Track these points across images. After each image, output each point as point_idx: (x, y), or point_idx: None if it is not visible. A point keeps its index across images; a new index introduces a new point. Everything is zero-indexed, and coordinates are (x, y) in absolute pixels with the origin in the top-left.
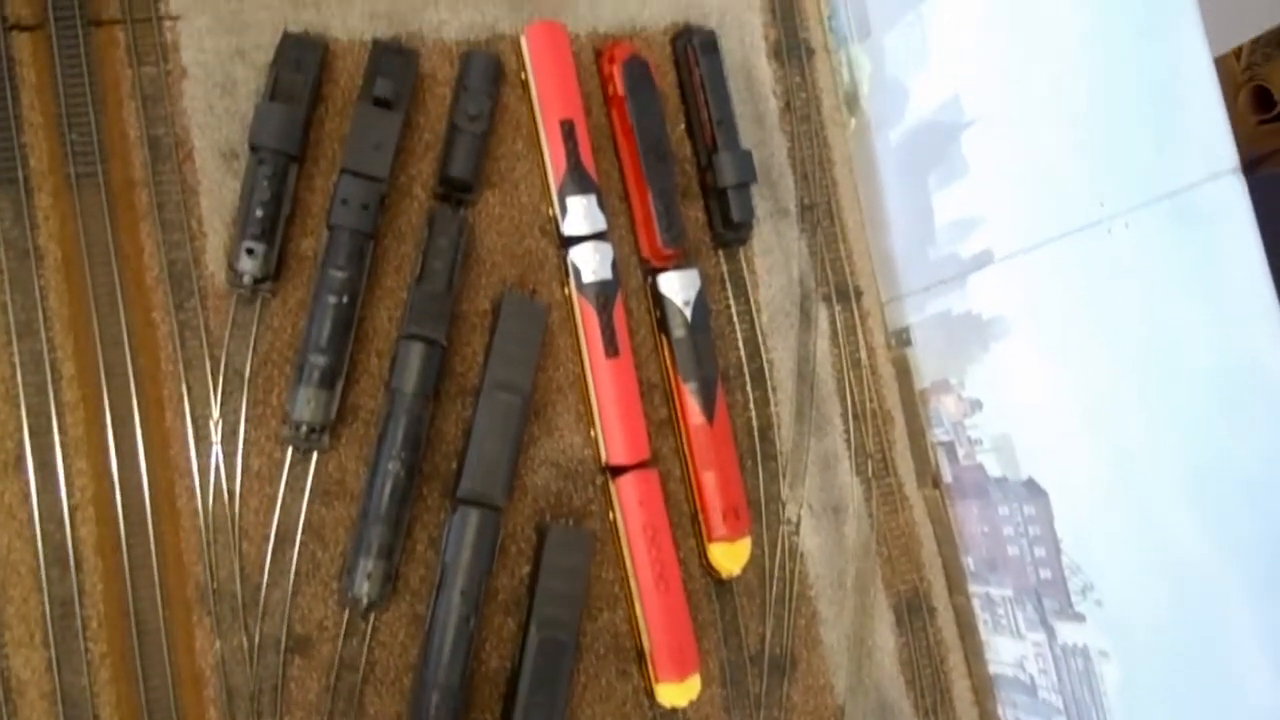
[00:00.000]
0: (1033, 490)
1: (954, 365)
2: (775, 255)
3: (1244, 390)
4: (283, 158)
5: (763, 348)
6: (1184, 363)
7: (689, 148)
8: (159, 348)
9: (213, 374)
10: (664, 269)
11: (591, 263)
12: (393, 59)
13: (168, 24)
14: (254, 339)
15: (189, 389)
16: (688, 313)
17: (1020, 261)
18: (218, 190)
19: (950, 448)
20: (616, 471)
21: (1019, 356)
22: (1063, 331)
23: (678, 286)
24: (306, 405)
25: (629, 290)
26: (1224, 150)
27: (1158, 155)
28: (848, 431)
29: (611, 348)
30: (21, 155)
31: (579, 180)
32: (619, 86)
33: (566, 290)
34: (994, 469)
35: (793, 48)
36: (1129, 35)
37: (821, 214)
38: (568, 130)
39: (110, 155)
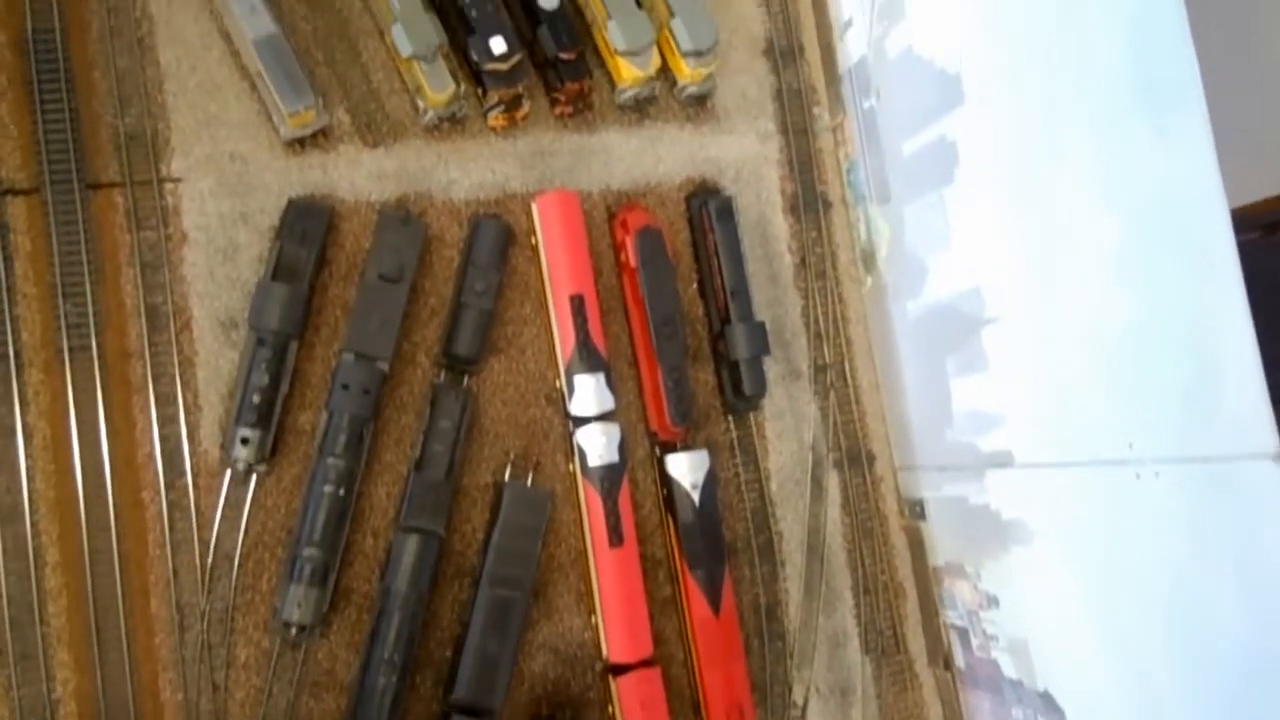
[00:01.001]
0: (1049, 705)
1: (970, 554)
2: (786, 420)
3: (1275, 672)
4: (283, 337)
5: (772, 519)
6: (1215, 624)
7: (700, 308)
8: (147, 530)
9: (201, 558)
10: (672, 444)
11: (598, 446)
12: (399, 230)
13: (169, 187)
14: (246, 520)
15: (175, 574)
16: (696, 496)
17: (1043, 474)
18: (215, 361)
19: (964, 634)
20: (618, 670)
21: (1040, 565)
22: (1088, 553)
23: (686, 468)
24: (296, 607)
25: (636, 459)
26: (1264, 434)
27: (1190, 419)
28: (858, 606)
29: (616, 536)
30: (14, 329)
31: (588, 358)
32: (632, 257)
33: (571, 466)
34: (1009, 670)
35: (810, 202)
36: (1168, 283)
37: (835, 375)
38: (577, 305)
39: (106, 326)
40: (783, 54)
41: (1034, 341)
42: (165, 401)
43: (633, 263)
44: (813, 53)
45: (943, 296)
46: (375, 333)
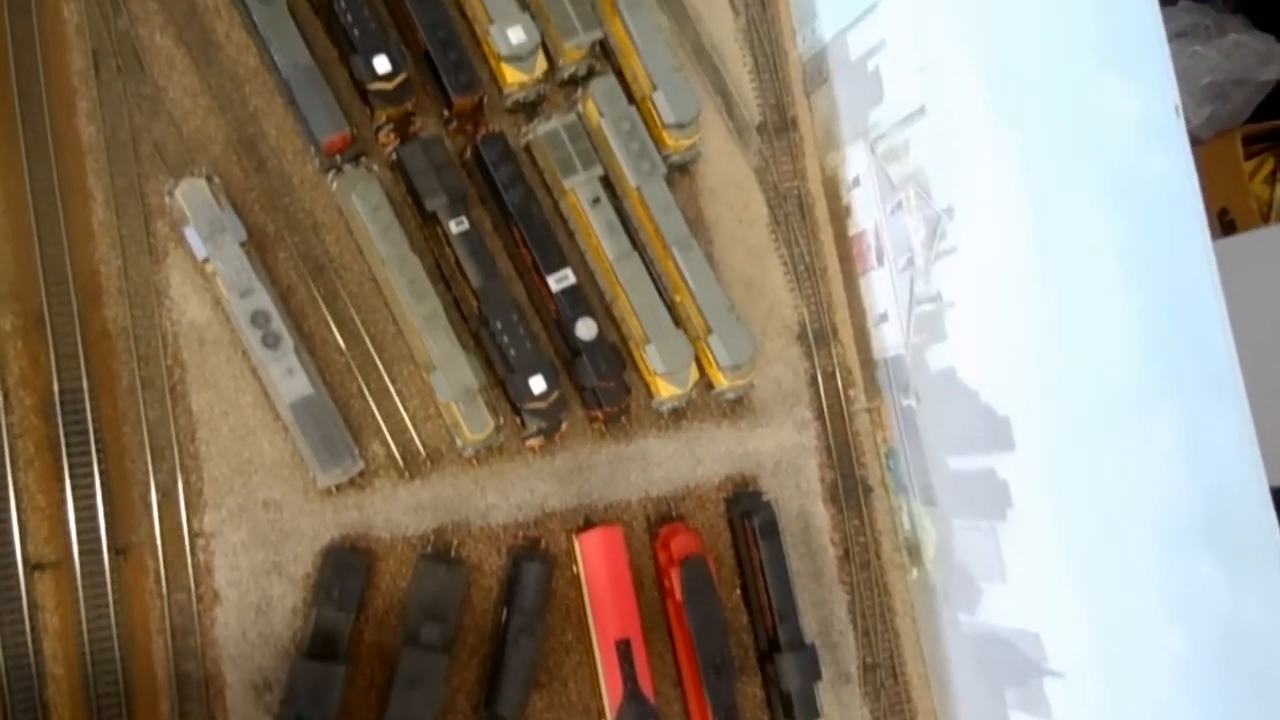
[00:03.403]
0: None
1: None
2: None
3: None
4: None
5: None
6: None
7: (744, 615)
8: None
9: None
10: None
11: None
12: (439, 575)
13: (200, 543)
14: None
15: None
16: None
17: None
18: None
19: None
20: None
21: None
22: None
23: None
24: None
25: None
26: None
27: None
28: None
29: None
30: (44, 713)
31: (637, 709)
32: (677, 589)
33: None
34: None
35: (850, 488)
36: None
37: (885, 674)
38: (624, 652)
39: (137, 702)
40: (816, 337)
41: (1110, 708)
42: None
43: (678, 595)
44: (845, 333)
45: (999, 627)
46: (418, 708)
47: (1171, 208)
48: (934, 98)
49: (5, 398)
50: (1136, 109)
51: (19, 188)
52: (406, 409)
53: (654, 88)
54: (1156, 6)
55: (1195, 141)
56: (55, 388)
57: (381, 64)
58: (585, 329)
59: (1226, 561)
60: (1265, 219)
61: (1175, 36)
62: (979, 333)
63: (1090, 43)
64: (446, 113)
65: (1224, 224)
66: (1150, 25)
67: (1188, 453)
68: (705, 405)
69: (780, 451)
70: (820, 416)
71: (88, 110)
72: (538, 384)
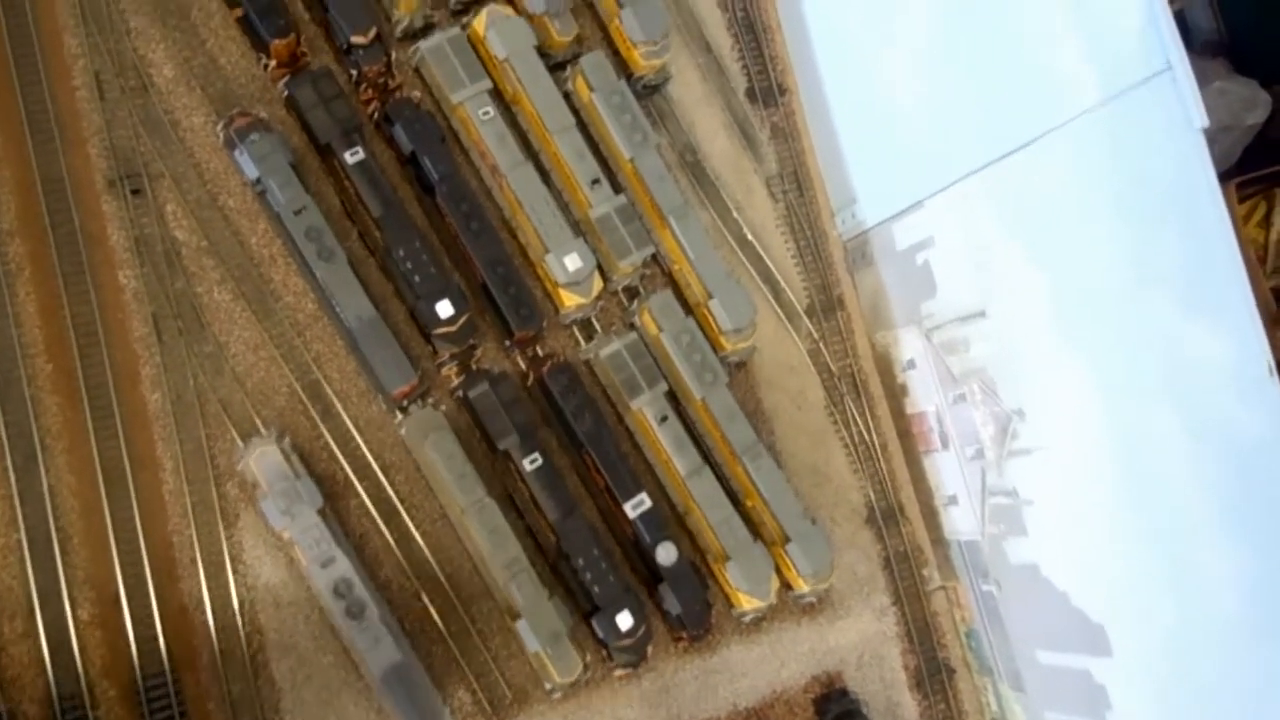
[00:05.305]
0: None
1: None
2: None
3: None
4: None
5: None
6: None
7: None
8: None
9: None
10: None
11: None
12: None
13: None
14: None
15: None
16: None
17: None
18: None
19: None
20: None
21: None
22: None
23: None
24: None
25: None
26: None
27: None
28: None
29: None
30: None
31: None
32: None
33: None
34: None
35: (933, 672)
36: None
37: None
38: None
39: None
40: (885, 517)
41: None
42: None
43: None
44: (913, 510)
45: None
46: None
47: (1270, 458)
48: (995, 305)
49: (90, 691)
50: (1223, 356)
51: (89, 468)
52: (489, 648)
53: (709, 295)
54: (1238, 251)
55: None
56: (138, 674)
57: (444, 309)
58: (665, 554)
59: None
60: (1262, 261)
61: None
62: (1065, 538)
63: (1171, 278)
64: (508, 342)
65: None
66: (1233, 269)
67: None
68: (784, 605)
69: (863, 643)
70: (897, 600)
71: (151, 376)
72: (625, 620)
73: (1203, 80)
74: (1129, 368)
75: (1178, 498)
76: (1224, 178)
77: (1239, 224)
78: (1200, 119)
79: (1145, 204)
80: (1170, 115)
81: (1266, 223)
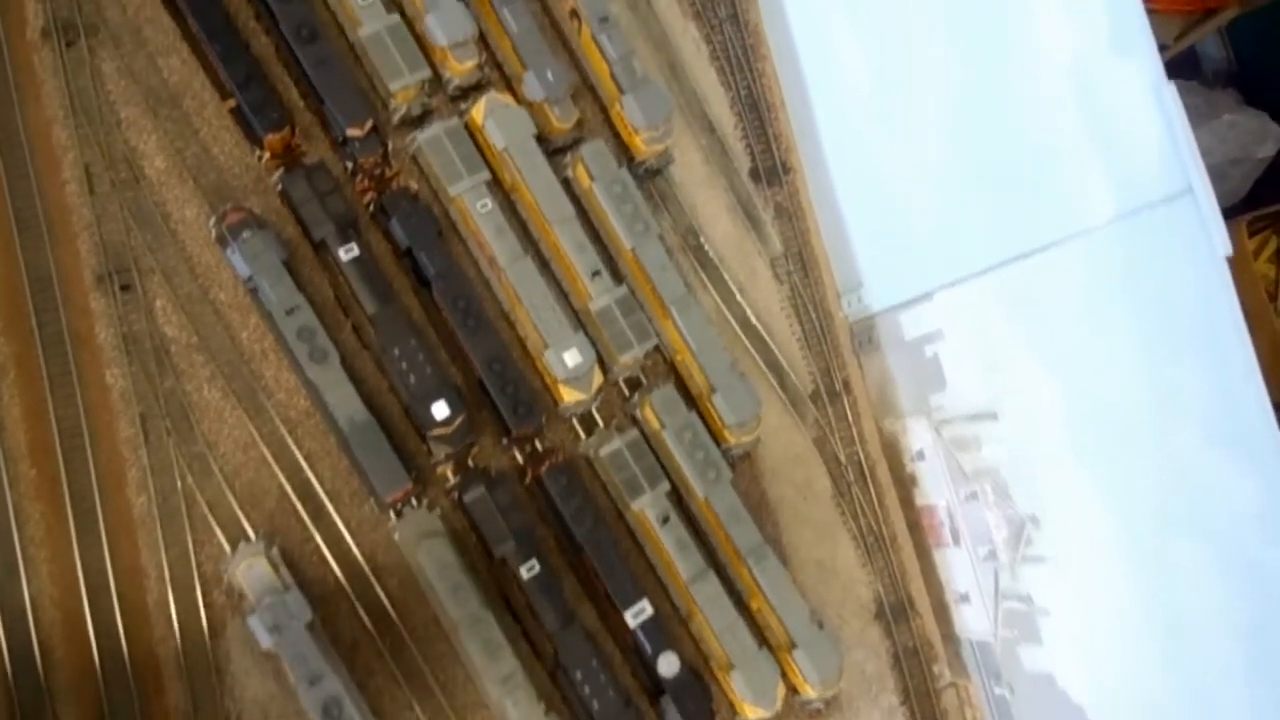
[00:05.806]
0: None
1: None
2: None
3: None
4: None
5: None
6: None
7: None
8: None
9: None
10: None
11: None
12: None
13: None
14: None
15: None
16: None
17: None
18: None
19: None
20: None
21: None
22: None
23: None
24: None
25: None
26: None
27: None
28: None
29: None
30: None
31: None
32: None
33: None
34: None
35: None
36: None
37: None
38: None
39: None
40: (894, 612)
41: None
42: None
43: None
44: (923, 604)
45: None
46: None
47: None
48: (1008, 408)
49: None
50: (1249, 493)
51: (72, 578)
52: None
53: (713, 390)
54: (1264, 390)
55: None
56: None
57: (440, 410)
58: (667, 665)
59: None
60: (1272, 298)
61: None
62: (1082, 653)
63: (1191, 408)
64: (505, 440)
65: None
66: (1259, 410)
67: None
68: (790, 710)
69: None
70: (906, 699)
71: (138, 479)
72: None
73: (1212, 112)
74: (1147, 491)
75: (1202, 634)
76: (1233, 212)
77: (1252, 269)
78: (1224, 247)
79: (1163, 328)
80: (1191, 239)
81: (1277, 258)
